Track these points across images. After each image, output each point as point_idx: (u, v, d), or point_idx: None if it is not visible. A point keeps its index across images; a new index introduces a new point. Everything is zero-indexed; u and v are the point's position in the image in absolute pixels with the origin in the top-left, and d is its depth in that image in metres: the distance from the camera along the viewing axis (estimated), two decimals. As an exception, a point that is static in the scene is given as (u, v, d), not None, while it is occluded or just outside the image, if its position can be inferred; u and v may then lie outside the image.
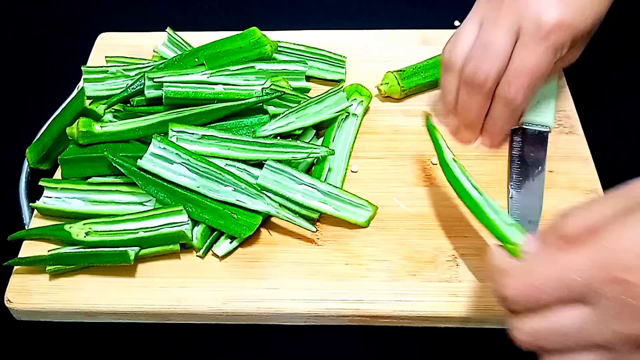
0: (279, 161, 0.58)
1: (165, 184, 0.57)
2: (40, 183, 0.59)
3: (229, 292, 0.54)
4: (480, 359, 0.54)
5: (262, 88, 0.61)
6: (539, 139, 0.63)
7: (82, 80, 0.66)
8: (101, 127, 0.61)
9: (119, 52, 0.70)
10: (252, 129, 0.60)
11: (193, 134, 0.58)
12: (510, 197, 0.59)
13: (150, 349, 0.55)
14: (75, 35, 0.80)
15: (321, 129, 0.64)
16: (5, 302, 0.54)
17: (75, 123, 0.60)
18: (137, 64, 0.67)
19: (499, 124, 0.60)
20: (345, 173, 0.61)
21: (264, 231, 0.58)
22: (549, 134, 0.63)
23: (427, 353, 0.54)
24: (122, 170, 0.57)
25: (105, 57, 0.69)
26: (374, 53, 0.72)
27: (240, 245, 0.57)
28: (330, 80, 0.69)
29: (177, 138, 0.58)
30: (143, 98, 0.63)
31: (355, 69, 0.70)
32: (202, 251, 0.56)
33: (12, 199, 0.62)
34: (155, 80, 0.61)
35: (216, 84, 0.62)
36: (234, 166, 0.58)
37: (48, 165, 0.64)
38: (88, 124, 0.60)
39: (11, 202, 0.61)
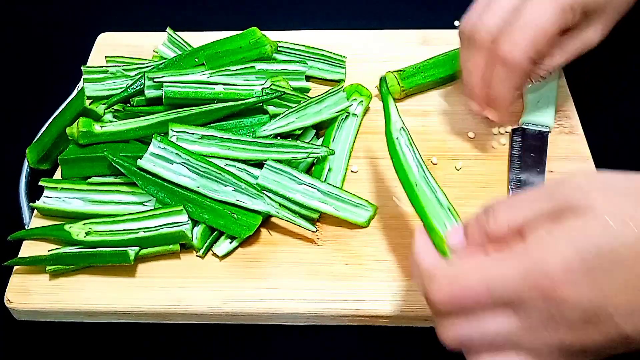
0: (279, 161, 0.58)
1: (165, 184, 0.57)
2: (40, 183, 0.59)
3: (229, 292, 0.54)
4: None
5: (262, 88, 0.61)
6: (539, 139, 0.63)
7: (82, 80, 0.66)
8: (101, 127, 0.61)
9: (119, 52, 0.70)
10: (252, 129, 0.60)
11: (193, 134, 0.58)
12: (510, 197, 0.59)
13: (150, 349, 0.55)
14: (75, 35, 0.80)
15: (321, 129, 0.64)
16: (5, 302, 0.54)
17: (75, 123, 0.60)
18: (137, 64, 0.67)
19: (498, 88, 0.57)
20: (345, 173, 0.61)
21: (264, 231, 0.58)
22: (549, 134, 0.63)
23: (427, 353, 0.54)
24: (122, 170, 0.57)
25: (105, 57, 0.69)
26: (374, 53, 0.72)
27: (240, 245, 0.57)
28: (330, 80, 0.69)
29: (177, 138, 0.58)
30: (143, 98, 0.63)
31: (355, 69, 0.70)
32: (202, 251, 0.56)
33: (12, 199, 0.62)
34: (155, 80, 0.61)
35: (216, 84, 0.62)
36: (234, 166, 0.58)
37: (48, 165, 0.64)
38: (88, 124, 0.60)
39: (11, 202, 0.61)
